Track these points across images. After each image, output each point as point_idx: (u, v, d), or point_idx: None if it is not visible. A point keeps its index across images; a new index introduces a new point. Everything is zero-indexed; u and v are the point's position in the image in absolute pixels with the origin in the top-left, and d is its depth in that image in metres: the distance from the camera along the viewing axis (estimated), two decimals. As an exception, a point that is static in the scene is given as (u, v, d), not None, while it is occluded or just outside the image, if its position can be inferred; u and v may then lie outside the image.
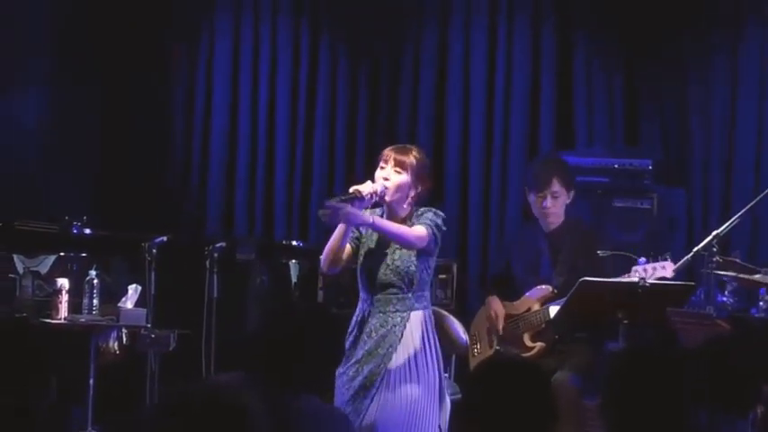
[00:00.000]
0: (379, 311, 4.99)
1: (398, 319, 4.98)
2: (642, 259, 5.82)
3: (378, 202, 5.00)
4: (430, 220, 4.97)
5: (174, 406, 2.20)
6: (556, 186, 6.18)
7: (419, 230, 4.93)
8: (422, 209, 5.03)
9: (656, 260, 5.79)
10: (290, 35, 8.25)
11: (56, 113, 8.20)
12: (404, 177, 4.98)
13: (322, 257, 5.03)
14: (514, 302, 6.31)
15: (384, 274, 4.99)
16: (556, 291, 6.15)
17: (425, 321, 5.03)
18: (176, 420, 2.19)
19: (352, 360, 4.97)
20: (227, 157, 8.37)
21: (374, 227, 4.94)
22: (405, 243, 4.94)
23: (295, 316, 3.71)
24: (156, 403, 2.10)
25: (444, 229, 5.04)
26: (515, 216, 7.69)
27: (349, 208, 4.83)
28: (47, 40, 8.14)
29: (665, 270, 5.78)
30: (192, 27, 8.44)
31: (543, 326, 6.16)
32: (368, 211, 5.00)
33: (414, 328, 4.98)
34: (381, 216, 5.04)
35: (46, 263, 7.00)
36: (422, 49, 8.04)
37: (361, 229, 5.04)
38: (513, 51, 7.84)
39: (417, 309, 5.01)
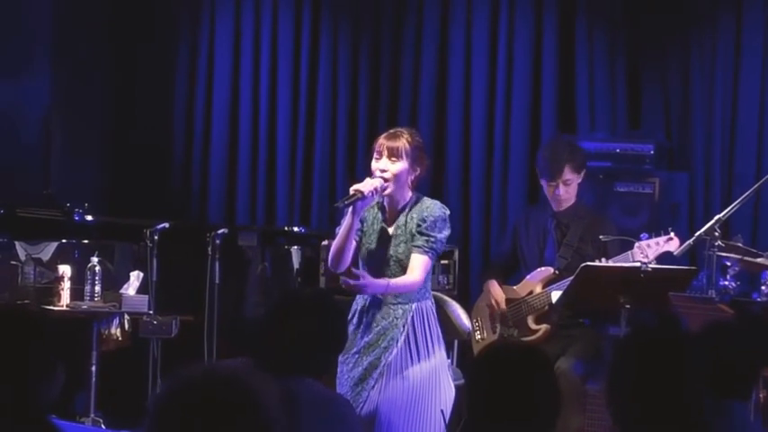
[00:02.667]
0: (381, 303, 4.97)
1: (400, 311, 4.96)
2: (644, 235, 5.81)
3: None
4: (432, 240, 4.92)
5: (181, 390, 2.19)
6: (568, 174, 6.16)
7: (422, 265, 4.91)
8: (427, 203, 4.99)
9: (658, 236, 5.79)
10: (291, 14, 8.23)
11: (60, 99, 8.18)
12: (400, 165, 4.94)
13: (329, 257, 5.01)
14: (515, 286, 6.30)
15: (387, 266, 4.97)
16: (557, 272, 6.13)
17: (427, 311, 5.02)
18: (184, 406, 2.18)
19: (353, 350, 4.96)
20: (228, 143, 8.35)
21: (388, 289, 4.92)
22: (411, 290, 4.95)
23: (298, 302, 3.72)
24: (162, 388, 2.05)
25: (448, 231, 5.00)
26: (517, 200, 7.68)
27: (367, 283, 4.84)
28: (51, 26, 8.12)
29: (668, 245, 5.77)
30: (192, 8, 8.43)
31: (547, 308, 6.14)
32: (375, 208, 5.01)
33: (416, 319, 4.97)
34: (383, 204, 5.03)
35: (48, 249, 6.99)
36: (423, 37, 8.00)
37: (363, 217, 5.01)
38: (514, 36, 7.80)
39: (419, 300, 4.99)
